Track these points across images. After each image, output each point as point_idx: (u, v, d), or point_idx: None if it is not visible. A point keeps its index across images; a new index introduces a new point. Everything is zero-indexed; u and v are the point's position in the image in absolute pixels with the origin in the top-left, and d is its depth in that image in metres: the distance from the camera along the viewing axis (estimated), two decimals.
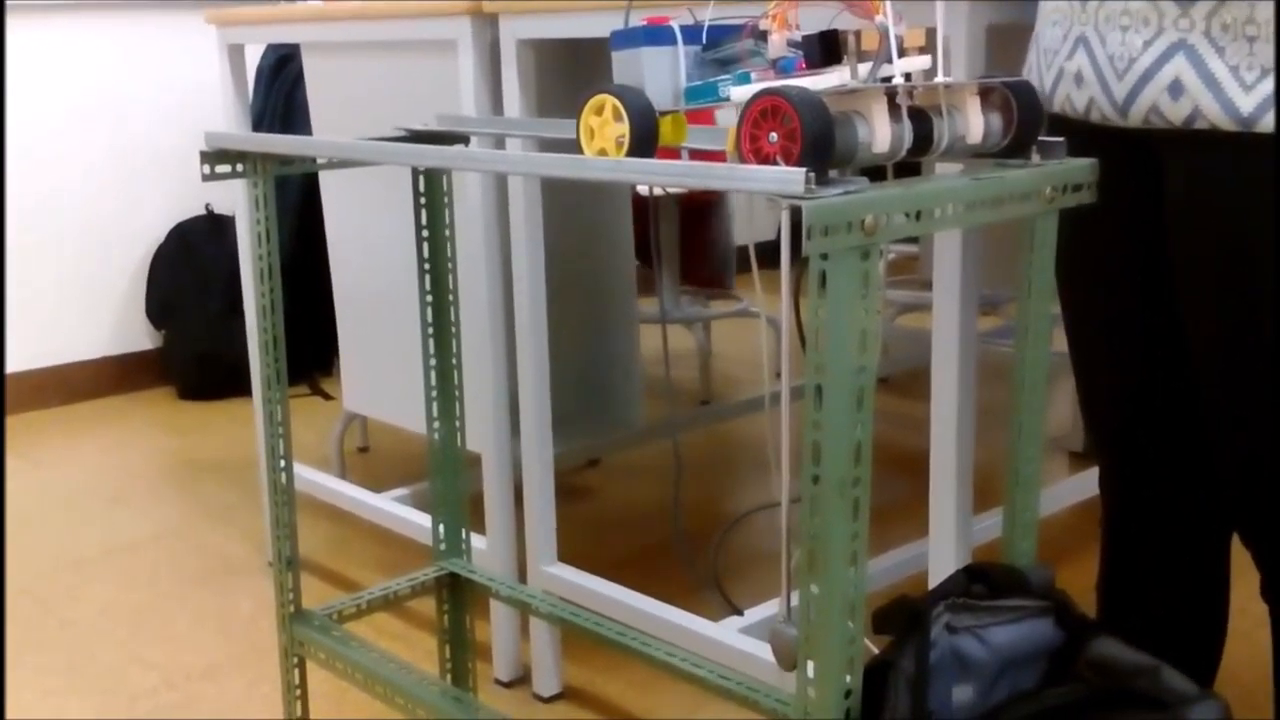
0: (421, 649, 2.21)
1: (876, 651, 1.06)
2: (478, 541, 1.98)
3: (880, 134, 0.99)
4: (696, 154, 1.26)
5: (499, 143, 1.93)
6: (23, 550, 2.73)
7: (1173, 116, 1.21)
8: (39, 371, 3.80)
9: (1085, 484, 2.10)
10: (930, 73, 1.05)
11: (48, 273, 3.80)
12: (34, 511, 2.97)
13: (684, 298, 3.84)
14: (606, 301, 2.64)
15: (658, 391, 3.61)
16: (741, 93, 1.05)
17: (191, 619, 2.39)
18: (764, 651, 1.64)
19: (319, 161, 1.64)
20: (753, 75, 1.07)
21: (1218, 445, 1.35)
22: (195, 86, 3.96)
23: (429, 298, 1.74)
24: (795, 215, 0.89)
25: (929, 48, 1.04)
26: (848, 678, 0.98)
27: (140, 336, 3.99)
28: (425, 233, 1.72)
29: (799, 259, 0.91)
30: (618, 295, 2.65)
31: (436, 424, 1.77)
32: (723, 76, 1.09)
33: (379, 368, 2.50)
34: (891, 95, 1.00)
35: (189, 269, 3.90)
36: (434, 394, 1.76)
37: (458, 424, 1.78)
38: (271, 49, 3.70)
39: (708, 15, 1.12)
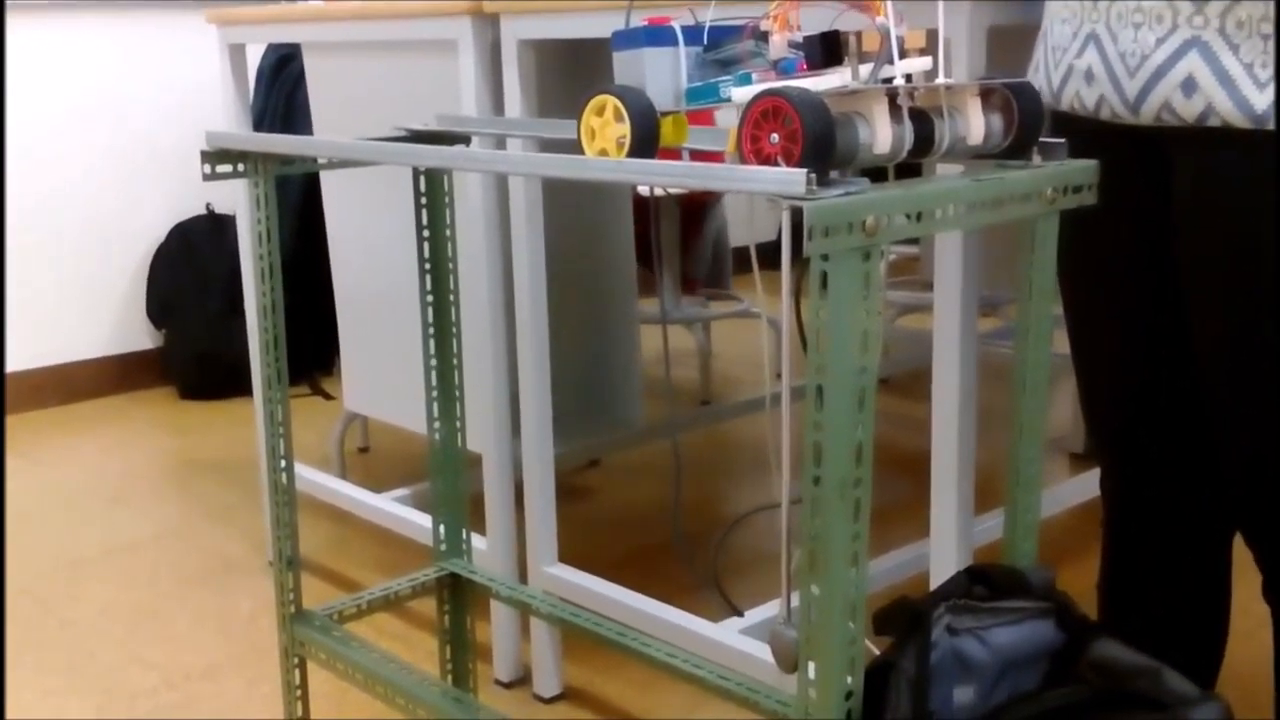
0: (422, 649, 2.21)
1: (877, 653, 1.05)
2: (478, 542, 1.98)
3: (881, 135, 0.99)
4: (696, 155, 1.26)
5: (500, 143, 1.93)
6: (23, 550, 2.73)
7: (1185, 114, 1.21)
8: (39, 371, 3.80)
9: (1086, 485, 2.09)
10: (932, 74, 1.04)
11: (48, 272, 3.80)
12: (34, 511, 2.97)
13: (684, 298, 3.84)
14: (607, 302, 2.64)
15: (658, 392, 3.60)
16: (743, 93, 1.04)
17: (191, 619, 2.39)
18: (764, 652, 1.64)
19: (320, 161, 1.64)
20: (754, 76, 1.07)
21: (1222, 445, 1.35)
22: (196, 86, 3.96)
23: (430, 298, 1.73)
24: (796, 216, 0.88)
25: (929, 49, 1.04)
26: (849, 679, 0.98)
27: (141, 336, 3.99)
28: (426, 233, 1.72)
29: (799, 260, 0.91)
30: (618, 295, 2.65)
31: (437, 424, 1.77)
32: (724, 77, 1.09)
33: (380, 368, 2.50)
34: (893, 96, 1.00)
35: (189, 268, 3.90)
36: (434, 394, 1.76)
37: (458, 424, 1.78)
38: (272, 49, 3.70)
39: (709, 16, 1.12)
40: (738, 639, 1.70)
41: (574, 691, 2.09)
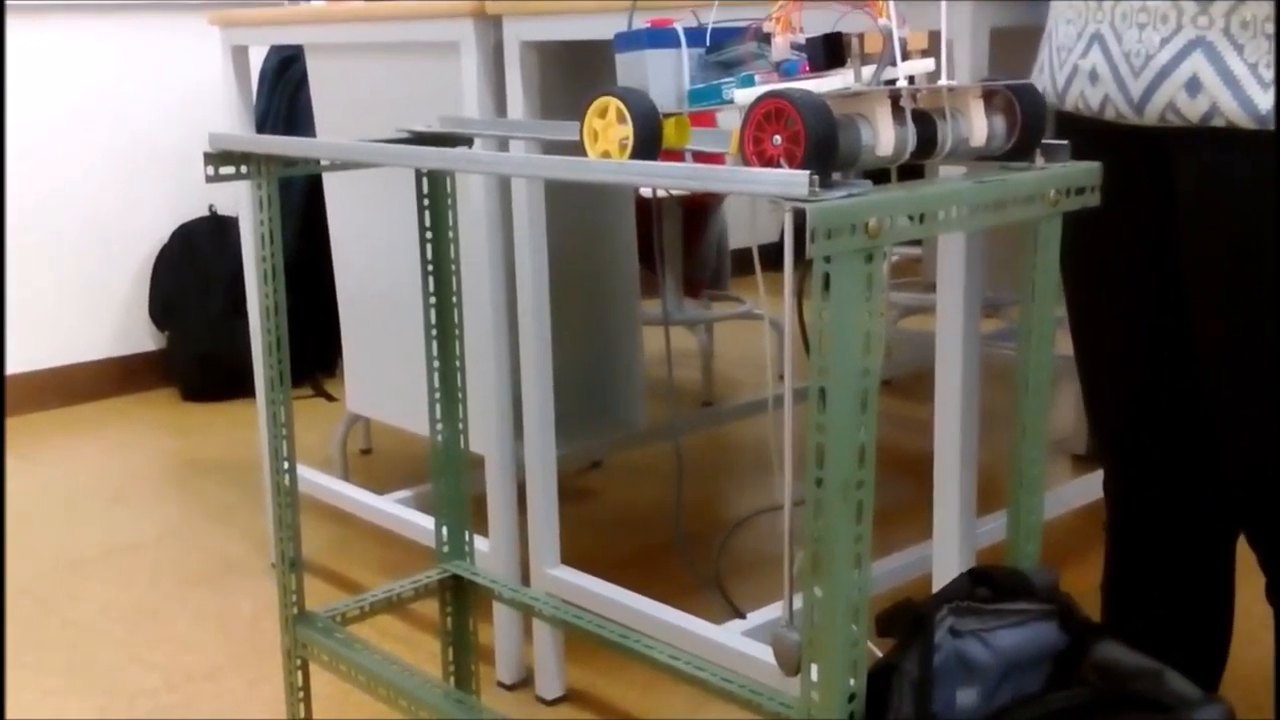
0: (424, 651, 2.21)
1: (880, 655, 1.05)
2: (480, 543, 1.98)
3: (884, 137, 0.99)
4: (699, 156, 1.26)
5: (502, 145, 1.93)
6: (24, 550, 2.73)
7: (1189, 114, 1.21)
8: (42, 372, 3.80)
9: (1088, 487, 2.09)
10: (935, 76, 1.04)
11: (51, 274, 3.80)
12: (36, 512, 2.97)
13: (686, 300, 3.84)
14: (609, 303, 2.64)
15: (660, 393, 3.61)
16: (745, 95, 1.04)
17: (192, 620, 2.39)
18: (767, 654, 1.64)
19: (323, 163, 1.64)
20: (756, 78, 1.07)
21: (1225, 446, 1.34)
22: (198, 88, 3.96)
23: (432, 299, 1.74)
24: (798, 218, 0.88)
25: (932, 50, 1.04)
26: (851, 681, 0.98)
27: (143, 337, 3.99)
28: (429, 234, 1.72)
29: (801, 261, 0.91)
30: (620, 297, 2.64)
31: (439, 425, 1.77)
32: (726, 79, 1.09)
33: (382, 369, 2.50)
34: (895, 98, 1.00)
35: (192, 270, 3.91)
36: (437, 395, 1.76)
37: (461, 425, 1.78)
38: (275, 51, 3.70)
39: (711, 18, 1.12)
40: (740, 641, 1.70)
41: (576, 693, 2.09)
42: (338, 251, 2.56)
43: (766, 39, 1.07)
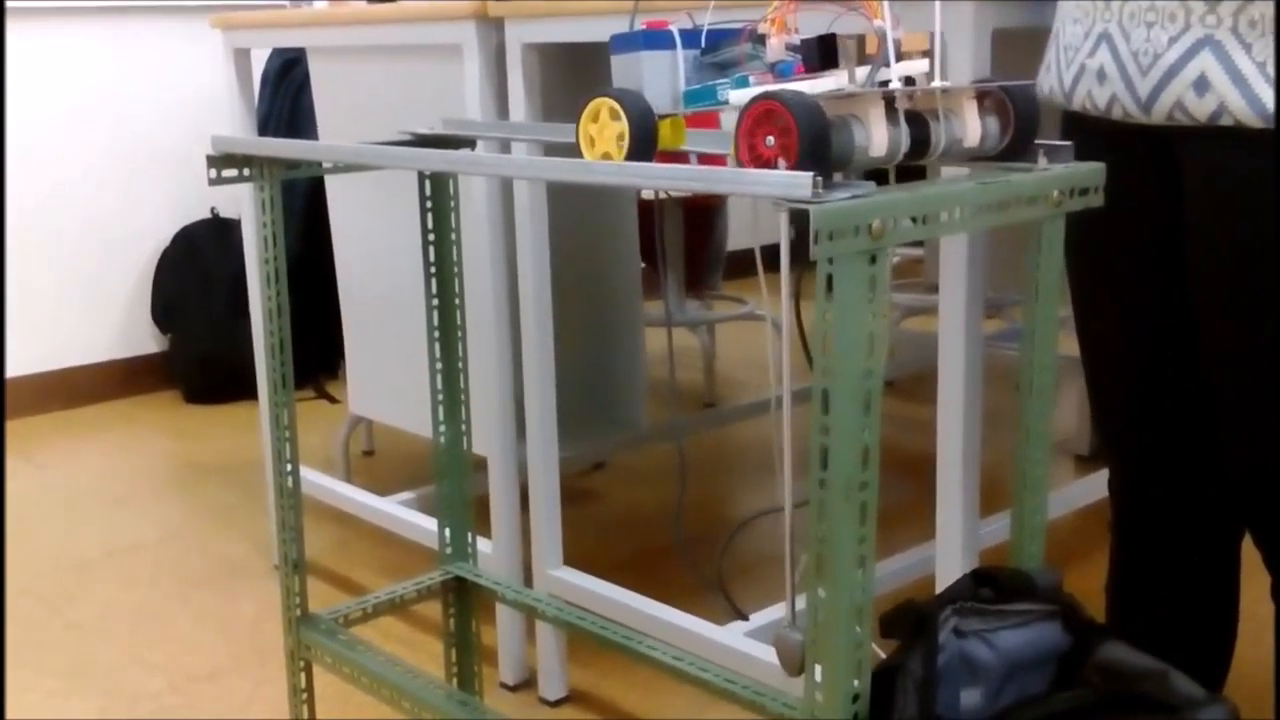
0: (427, 653, 2.22)
1: (884, 656, 1.05)
2: (483, 545, 1.98)
3: (877, 137, 0.99)
4: (702, 158, 1.26)
5: (504, 147, 1.93)
6: (27, 552, 2.74)
7: (1197, 113, 1.21)
8: (44, 375, 3.80)
9: (1091, 487, 2.09)
10: (934, 76, 1.05)
11: (53, 275, 3.81)
12: (38, 514, 2.97)
13: (689, 300, 3.84)
14: (611, 304, 2.64)
15: (662, 394, 3.61)
16: (739, 96, 1.05)
17: (195, 621, 2.39)
18: (770, 655, 1.64)
19: (325, 166, 1.65)
20: (751, 79, 1.07)
21: (1230, 445, 1.34)
22: (201, 90, 3.96)
23: (435, 301, 1.74)
24: (800, 220, 0.89)
25: (929, 52, 1.04)
26: (855, 682, 0.98)
27: (145, 340, 3.99)
28: (431, 236, 1.72)
29: (801, 262, 0.91)
30: (623, 298, 2.65)
31: (442, 427, 1.77)
32: (721, 80, 1.09)
33: (384, 371, 2.50)
34: (889, 99, 1.00)
35: (194, 272, 3.91)
36: (440, 397, 1.76)
37: (463, 427, 1.78)
38: (277, 53, 3.70)
39: (706, 19, 1.12)
40: (743, 642, 1.70)
41: (579, 694, 2.09)
42: (340, 253, 2.57)
43: (761, 40, 1.08)
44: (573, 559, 2.02)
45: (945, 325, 1.45)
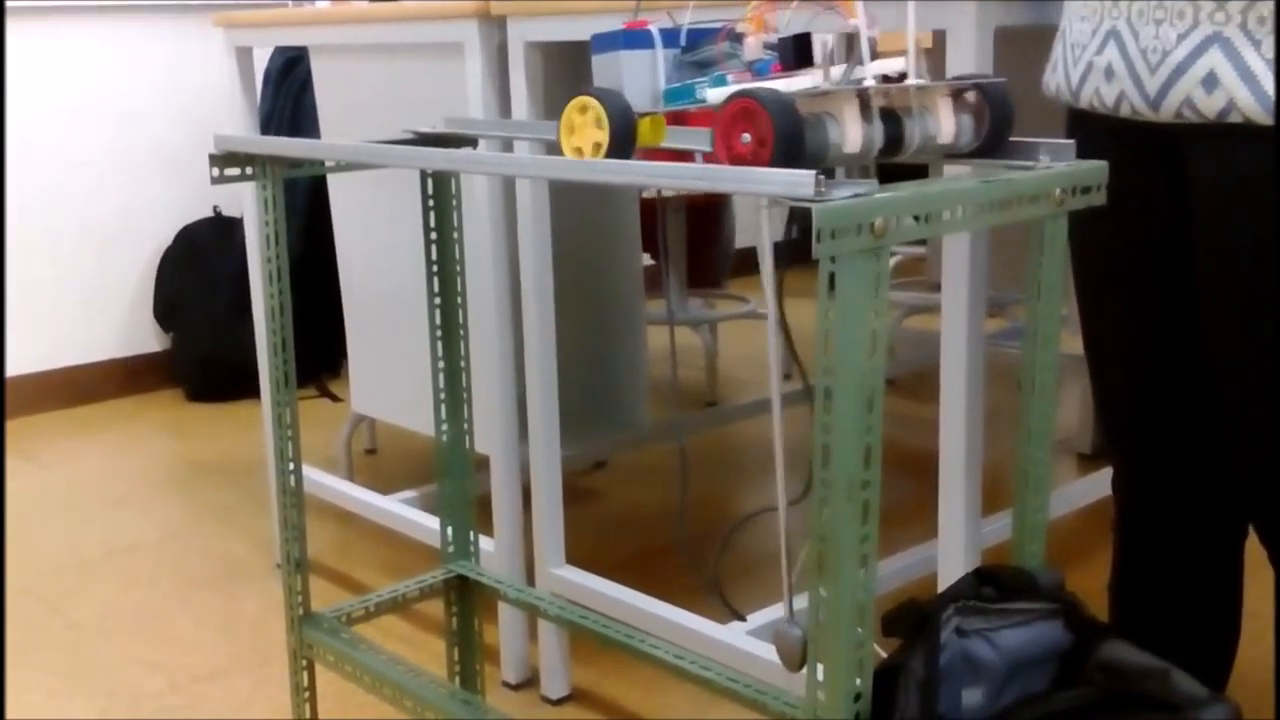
0: (429, 651, 2.22)
1: (885, 655, 1.05)
2: (485, 544, 1.98)
3: (851, 135, 1.01)
4: (679, 154, 1.27)
5: (506, 145, 1.93)
6: (28, 551, 2.74)
7: (1206, 110, 1.21)
8: (47, 374, 3.80)
9: (1094, 486, 2.09)
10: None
11: (55, 274, 3.81)
12: (39, 513, 2.97)
13: (690, 299, 3.84)
14: (614, 303, 2.64)
15: (664, 393, 3.61)
16: (717, 94, 1.06)
17: (197, 621, 2.39)
18: (772, 654, 1.64)
19: (327, 164, 1.65)
20: (729, 77, 1.09)
21: (1232, 443, 1.34)
22: (203, 89, 3.97)
23: (437, 300, 1.74)
24: (798, 218, 0.89)
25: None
26: (857, 680, 0.98)
27: (148, 338, 4.00)
28: (433, 235, 1.72)
29: (797, 261, 0.92)
30: (625, 297, 2.65)
31: (444, 426, 1.77)
32: (700, 79, 1.11)
33: (387, 370, 2.50)
34: (863, 97, 1.02)
35: (196, 271, 3.91)
36: (442, 396, 1.77)
37: (465, 426, 1.78)
38: (279, 52, 3.70)
39: (686, 18, 1.13)
40: (746, 640, 1.70)
41: (582, 693, 2.09)
42: (342, 252, 2.57)
43: (739, 39, 1.09)
44: (575, 558, 2.02)
45: (947, 324, 1.45)
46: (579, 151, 1.10)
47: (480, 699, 1.79)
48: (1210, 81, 1.19)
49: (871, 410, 0.94)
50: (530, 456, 1.99)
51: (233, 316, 3.75)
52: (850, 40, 1.02)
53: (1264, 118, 1.18)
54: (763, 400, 3.09)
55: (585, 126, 1.09)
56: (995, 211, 1.02)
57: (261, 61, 3.66)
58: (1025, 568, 1.17)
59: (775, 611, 1.81)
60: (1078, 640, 1.10)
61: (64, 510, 2.99)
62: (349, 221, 2.52)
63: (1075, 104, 1.36)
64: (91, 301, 3.89)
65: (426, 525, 2.21)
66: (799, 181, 0.89)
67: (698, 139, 1.25)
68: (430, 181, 1.71)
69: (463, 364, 1.76)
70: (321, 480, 2.50)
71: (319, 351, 3.72)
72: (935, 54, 1.29)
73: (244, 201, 2.53)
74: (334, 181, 2.55)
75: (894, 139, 1.04)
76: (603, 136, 1.07)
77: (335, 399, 3.76)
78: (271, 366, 1.61)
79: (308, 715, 1.70)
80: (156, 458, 3.36)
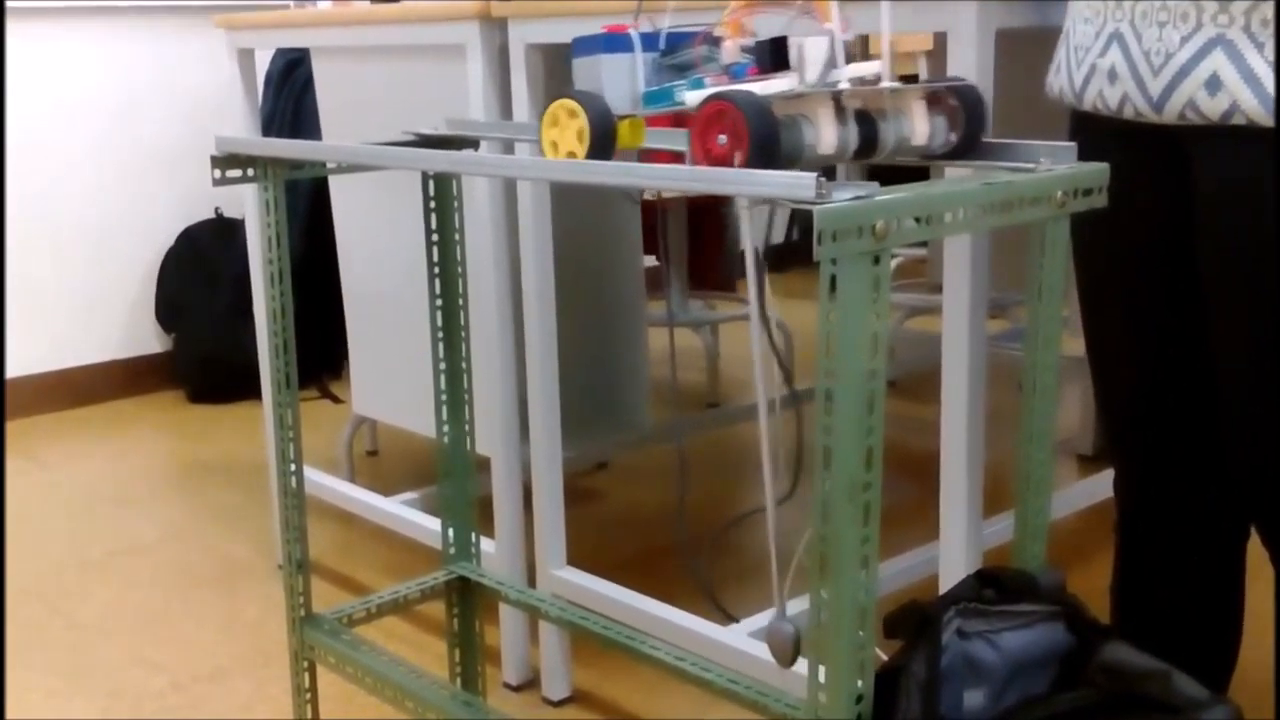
0: (430, 653, 2.22)
1: (887, 656, 1.06)
2: (487, 545, 1.98)
3: (826, 136, 1.03)
4: (658, 155, 1.29)
5: (508, 147, 1.93)
6: (30, 552, 2.74)
7: (1209, 112, 1.21)
8: (47, 374, 3.81)
9: (1095, 487, 2.09)
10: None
11: (57, 275, 3.81)
12: (41, 514, 2.98)
13: (691, 300, 3.84)
14: (615, 305, 2.64)
15: (665, 394, 3.61)
16: (693, 97, 1.08)
17: (198, 621, 2.39)
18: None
19: (329, 166, 1.65)
20: (707, 80, 1.10)
21: (1233, 444, 1.34)
22: (205, 91, 3.97)
23: (438, 301, 1.74)
24: (800, 219, 0.89)
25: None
26: (859, 682, 0.98)
27: (149, 339, 4.00)
28: (435, 237, 1.72)
29: (793, 263, 0.92)
30: (626, 298, 2.65)
31: (445, 427, 1.78)
32: (679, 81, 1.13)
33: (388, 371, 2.50)
34: (838, 99, 1.04)
35: (198, 272, 3.91)
36: (443, 397, 1.77)
37: (467, 427, 1.78)
38: (281, 53, 3.70)
39: (665, 22, 1.15)
40: (746, 642, 1.70)
41: (583, 694, 2.09)
42: (343, 253, 2.57)
43: (717, 43, 1.11)
44: (576, 559, 2.02)
45: (949, 325, 1.45)
46: (554, 147, 1.13)
47: (481, 700, 1.79)
48: (1213, 83, 1.20)
49: (873, 412, 0.94)
50: (531, 458, 1.99)
51: (234, 318, 3.75)
52: (827, 44, 1.04)
53: (1267, 119, 1.18)
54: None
55: (565, 129, 1.11)
56: (996, 214, 1.02)
57: (263, 63, 3.66)
58: (1026, 569, 1.17)
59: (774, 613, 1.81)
60: (1079, 642, 1.10)
61: (65, 511, 2.99)
62: (350, 223, 2.52)
63: (1079, 106, 1.36)
64: (93, 302, 3.89)
65: (428, 526, 2.21)
66: (800, 184, 0.89)
67: (676, 140, 1.28)
68: (431, 183, 1.71)
69: (464, 365, 1.76)
70: (323, 481, 2.50)
71: (320, 353, 3.72)
72: (937, 56, 1.29)
73: (245, 203, 2.53)
74: (335, 183, 2.55)
75: (868, 140, 1.06)
76: (583, 140, 1.10)
77: (337, 400, 3.76)
78: (273, 368, 1.61)
79: (309, 716, 1.70)
80: (158, 459, 3.36)
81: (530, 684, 2.11)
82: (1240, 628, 1.52)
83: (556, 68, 2.05)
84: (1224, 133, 1.21)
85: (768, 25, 1.10)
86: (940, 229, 0.97)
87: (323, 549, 2.70)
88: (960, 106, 1.12)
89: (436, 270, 1.73)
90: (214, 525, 2.87)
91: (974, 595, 1.09)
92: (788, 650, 1.17)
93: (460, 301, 1.74)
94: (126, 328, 3.96)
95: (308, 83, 3.47)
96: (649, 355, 2.72)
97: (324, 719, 1.74)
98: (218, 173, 1.51)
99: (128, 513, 2.97)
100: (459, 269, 1.73)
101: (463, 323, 1.75)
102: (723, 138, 0.98)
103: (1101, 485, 1.94)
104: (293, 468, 1.63)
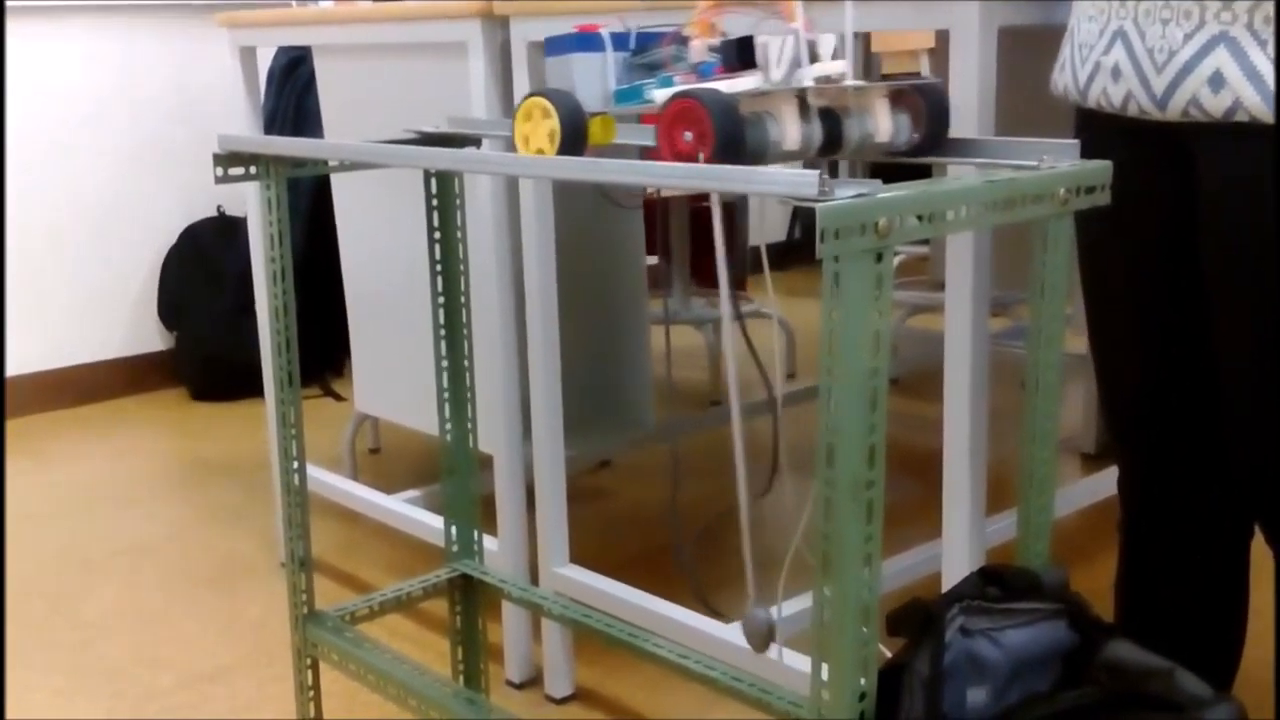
0: (433, 650, 2.22)
1: (890, 654, 1.06)
2: (489, 543, 1.98)
3: (790, 133, 1.05)
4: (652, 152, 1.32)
5: (510, 145, 1.93)
6: (33, 551, 2.74)
7: (1213, 109, 1.21)
8: (51, 373, 3.81)
9: (1098, 485, 2.09)
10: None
11: (60, 274, 3.81)
12: (45, 512, 2.98)
13: (694, 298, 3.84)
14: (617, 302, 2.64)
15: (669, 392, 3.61)
16: (661, 95, 1.10)
17: (202, 620, 2.39)
18: (776, 653, 1.64)
19: (331, 164, 1.65)
20: (675, 79, 1.13)
21: (1236, 442, 1.34)
22: (207, 89, 3.97)
23: (440, 299, 1.74)
24: (802, 216, 0.89)
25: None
26: (862, 680, 0.98)
27: (152, 338, 4.00)
28: (437, 234, 1.72)
29: (794, 260, 0.92)
30: (629, 296, 2.65)
31: (448, 425, 1.78)
32: (649, 80, 1.16)
33: (390, 369, 2.50)
34: (803, 97, 1.06)
35: (200, 270, 3.92)
36: (446, 395, 1.77)
37: (469, 425, 1.78)
38: (283, 51, 3.71)
39: (635, 22, 1.17)
40: None
41: (585, 692, 2.09)
42: (345, 251, 2.57)
43: (686, 42, 1.14)
44: (579, 557, 2.02)
45: (951, 323, 1.45)
46: (526, 142, 1.17)
47: (484, 698, 1.79)
48: (1216, 81, 1.20)
49: (875, 410, 0.94)
50: (534, 455, 1.99)
51: (236, 316, 3.75)
52: (792, 44, 1.06)
53: (1270, 117, 1.18)
54: (765, 400, 3.09)
55: (538, 125, 1.15)
56: (999, 211, 1.02)
57: (265, 61, 3.66)
58: (1030, 567, 1.17)
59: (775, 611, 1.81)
60: (1082, 640, 1.10)
61: (68, 510, 2.99)
62: (352, 221, 2.52)
63: (1083, 103, 1.36)
64: (95, 301, 3.89)
65: (430, 524, 2.21)
66: (803, 181, 0.89)
67: (645, 137, 1.30)
68: (434, 181, 1.71)
69: (466, 363, 1.76)
70: (325, 479, 2.50)
71: (322, 351, 3.72)
72: (939, 54, 1.30)
73: (248, 201, 2.53)
74: (337, 181, 2.55)
75: (833, 137, 1.09)
76: (554, 138, 1.14)
77: (339, 398, 3.76)
78: (275, 366, 1.61)
79: (313, 714, 1.70)
80: (160, 457, 3.36)
81: (533, 682, 2.12)
82: (1244, 626, 1.52)
83: None
84: (1227, 130, 1.21)
85: (737, 25, 1.12)
86: (943, 227, 0.97)
87: (325, 547, 2.70)
88: (924, 105, 1.15)
89: (439, 268, 1.73)
90: (216, 524, 2.87)
91: (977, 593, 1.09)
92: (762, 637, 1.23)
93: (462, 299, 1.74)
94: (128, 326, 3.96)
95: (310, 81, 3.47)
96: (652, 353, 2.71)
97: (327, 717, 1.74)
98: (220, 171, 1.51)
99: (130, 512, 2.97)
100: (461, 267, 1.73)
101: (465, 320, 1.75)
102: (688, 134, 1.00)
103: (1104, 483, 1.94)
104: (295, 466, 1.64)
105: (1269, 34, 1.17)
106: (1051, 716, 1.06)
